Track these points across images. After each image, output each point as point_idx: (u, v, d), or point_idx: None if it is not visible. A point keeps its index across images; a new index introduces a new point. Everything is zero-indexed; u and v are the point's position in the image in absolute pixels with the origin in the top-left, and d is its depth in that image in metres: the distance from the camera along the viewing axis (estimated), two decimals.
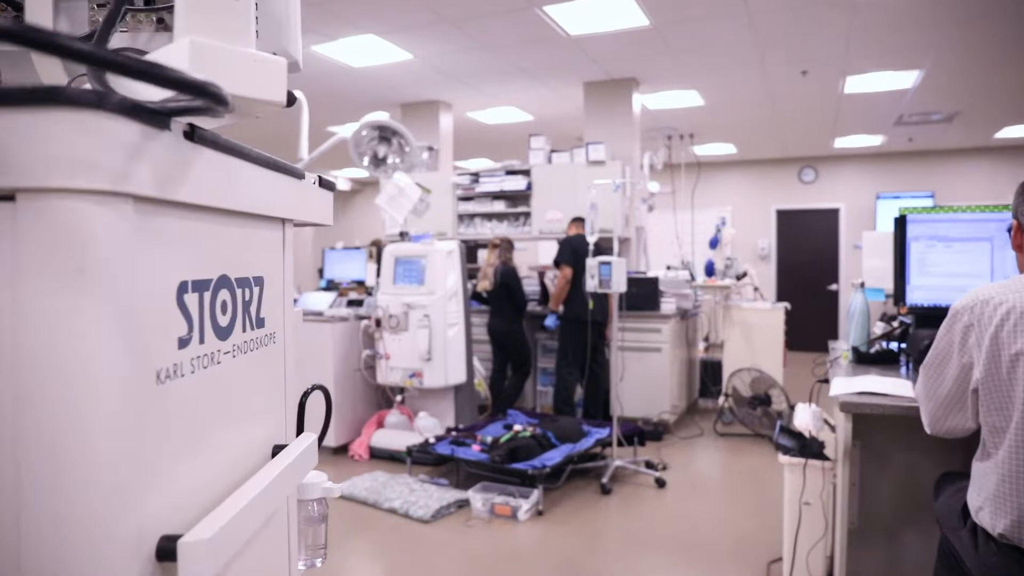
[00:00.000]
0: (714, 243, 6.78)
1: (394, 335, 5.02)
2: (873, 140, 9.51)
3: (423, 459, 4.53)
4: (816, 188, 10.65)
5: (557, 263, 5.57)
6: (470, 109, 7.71)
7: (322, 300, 5.59)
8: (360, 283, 6.11)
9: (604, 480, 4.26)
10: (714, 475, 4.86)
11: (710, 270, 6.74)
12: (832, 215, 10.57)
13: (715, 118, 8.03)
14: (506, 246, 5.94)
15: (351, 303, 5.51)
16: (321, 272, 6.66)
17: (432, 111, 7.42)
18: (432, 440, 4.52)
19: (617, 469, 4.46)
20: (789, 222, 10.70)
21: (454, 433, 4.66)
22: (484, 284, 5.92)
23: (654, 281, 5.93)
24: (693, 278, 6.54)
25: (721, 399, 5.84)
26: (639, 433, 4.85)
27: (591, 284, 4.52)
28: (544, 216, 6.53)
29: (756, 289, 6.20)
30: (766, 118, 8.18)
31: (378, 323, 5.05)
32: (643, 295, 5.88)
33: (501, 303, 5.88)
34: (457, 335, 5.05)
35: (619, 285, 4.45)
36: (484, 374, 5.83)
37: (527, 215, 6.71)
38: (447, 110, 7.57)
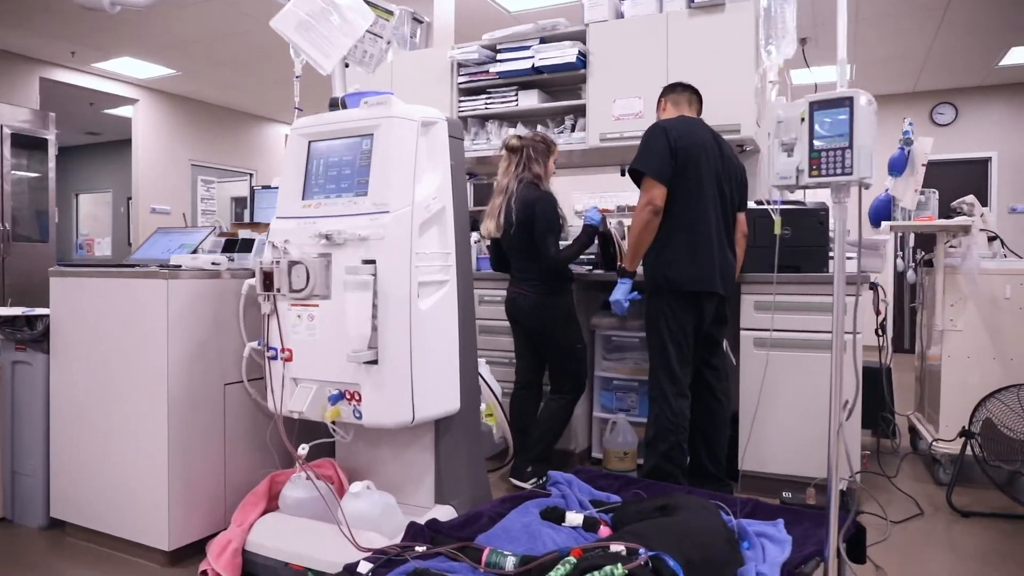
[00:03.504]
0: (899, 164, 4.00)
1: (301, 307, 2.28)
2: None
3: None
4: (956, 131, 7.79)
5: (634, 174, 2.77)
6: None
7: (180, 242, 2.83)
8: None
9: None
10: None
11: (881, 213, 3.95)
12: (979, 167, 7.71)
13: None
14: (535, 150, 3.17)
15: (230, 246, 2.75)
16: (251, 217, 3.84)
17: None
18: (369, 567, 1.76)
19: None
20: None
21: (425, 546, 1.89)
22: (490, 225, 3.15)
23: (822, 216, 3.14)
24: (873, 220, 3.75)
25: (950, 444, 3.05)
26: (859, 535, 2.09)
27: (786, 168, 1.77)
28: (611, 111, 3.73)
29: (995, 238, 3.39)
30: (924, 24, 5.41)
31: (267, 282, 2.30)
32: (804, 244, 3.10)
33: (526, 259, 3.12)
34: (439, 310, 2.30)
35: (864, 169, 1.71)
36: (498, 393, 3.04)
37: (579, 112, 3.91)
38: None
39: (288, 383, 2.31)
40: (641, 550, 1.61)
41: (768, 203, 3.23)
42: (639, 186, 2.73)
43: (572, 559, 1.62)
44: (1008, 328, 3.18)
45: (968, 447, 2.91)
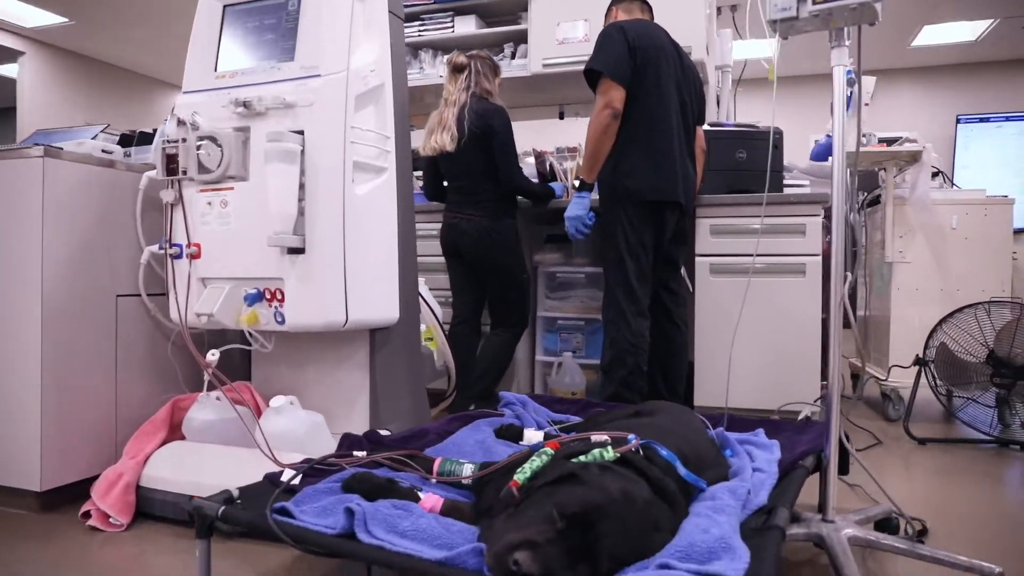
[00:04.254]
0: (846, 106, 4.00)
1: (212, 192, 1.92)
2: (966, 34, 6.92)
3: (261, 533, 1.45)
4: (869, 113, 7.99)
5: (590, 76, 2.53)
6: None
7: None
8: None
9: None
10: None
11: (823, 157, 3.91)
12: None
13: None
14: (482, 65, 2.92)
15: (126, 141, 2.35)
16: None
17: None
18: (292, 474, 1.43)
19: (851, 544, 1.49)
20: None
21: (361, 454, 1.58)
22: (442, 139, 2.86)
23: (776, 138, 3.00)
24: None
25: (902, 377, 2.97)
26: (842, 446, 1.91)
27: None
28: (554, 35, 3.50)
29: (938, 174, 3.37)
30: None
31: (171, 164, 1.93)
32: (759, 168, 2.96)
33: (476, 179, 2.85)
34: (377, 200, 2.00)
35: None
36: (439, 315, 2.74)
37: (519, 39, 3.66)
38: None
39: (195, 285, 1.95)
40: (631, 436, 1.36)
41: (721, 126, 3.08)
42: (595, 90, 2.50)
43: (548, 450, 1.35)
44: (955, 259, 3.14)
45: (923, 374, 2.83)
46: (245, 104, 1.83)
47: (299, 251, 1.82)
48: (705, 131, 2.92)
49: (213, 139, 1.86)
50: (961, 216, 3.14)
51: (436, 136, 2.89)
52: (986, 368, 2.68)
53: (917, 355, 2.86)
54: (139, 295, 2.13)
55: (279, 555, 1.67)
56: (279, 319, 1.88)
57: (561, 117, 4.38)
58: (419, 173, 3.15)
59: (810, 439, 1.75)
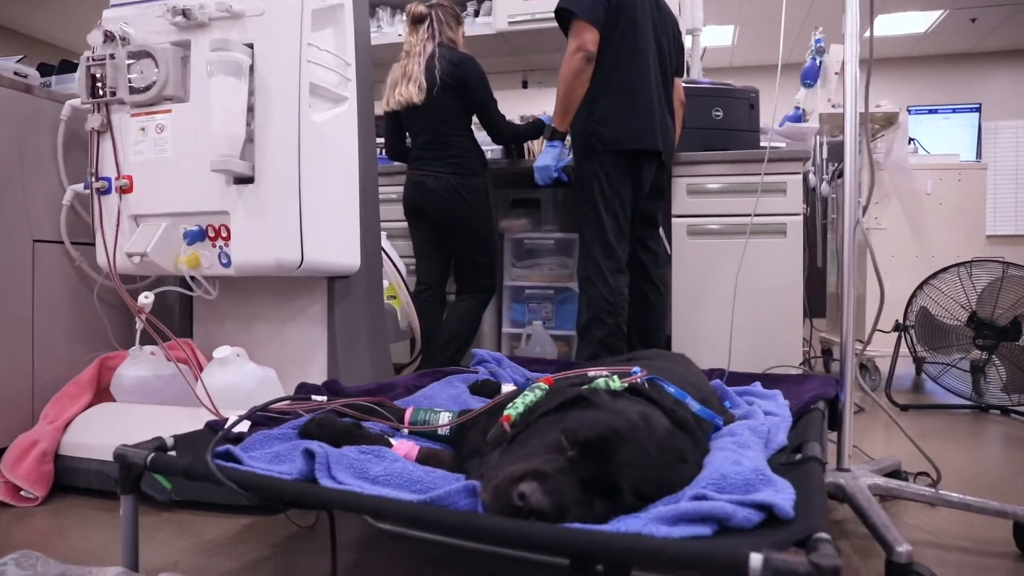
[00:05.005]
0: (811, 74, 3.87)
1: (146, 116, 1.68)
2: (919, 24, 7.02)
3: (200, 477, 1.26)
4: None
5: (561, 17, 2.35)
6: None
7: None
8: None
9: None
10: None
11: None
12: None
13: None
14: (444, 14, 2.72)
15: (46, 71, 2.08)
16: None
17: None
18: (238, 420, 1.21)
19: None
20: None
21: (320, 399, 1.37)
22: (408, 91, 2.66)
23: (752, 98, 2.90)
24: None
25: (881, 344, 2.89)
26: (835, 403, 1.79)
27: None
28: None
29: (912, 140, 3.31)
30: None
31: (96, 86, 1.68)
32: (736, 127, 2.84)
33: (444, 132, 2.66)
34: (336, 131, 1.79)
35: None
36: (403, 272, 2.54)
37: None
38: None
39: (126, 224, 1.70)
40: (635, 369, 1.19)
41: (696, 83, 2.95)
42: (567, 33, 2.33)
43: (542, 384, 1.17)
44: (930, 224, 3.08)
45: (903, 340, 2.75)
46: (184, 13, 1.59)
47: (247, 180, 1.59)
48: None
49: (147, 54, 1.63)
50: (935, 182, 3.08)
51: (401, 88, 2.68)
52: (967, 331, 2.61)
53: (897, 321, 2.78)
54: (61, 242, 1.87)
55: (224, 524, 1.44)
56: (224, 261, 1.65)
57: (525, 86, 4.21)
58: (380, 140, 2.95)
59: (814, 388, 1.61)
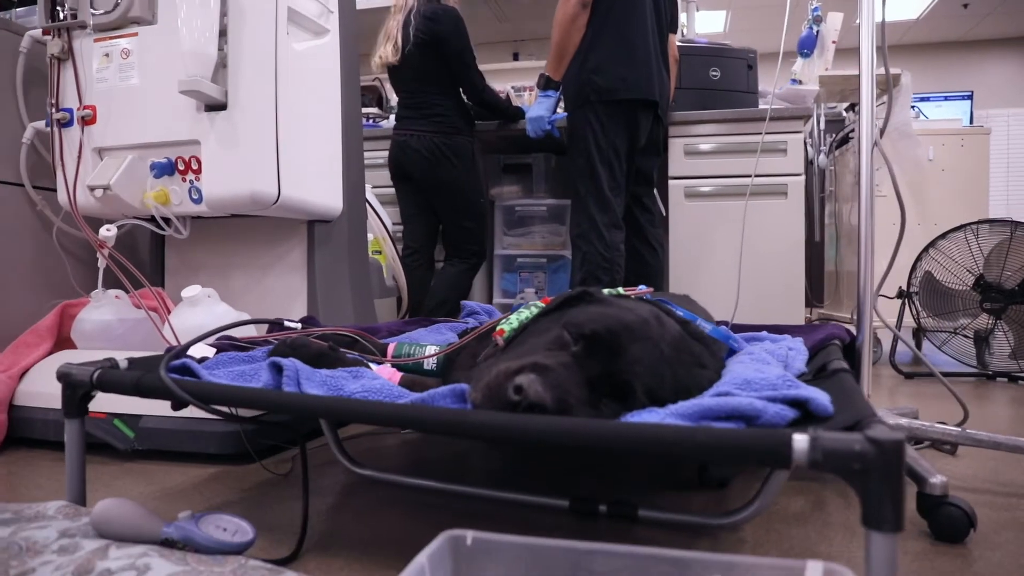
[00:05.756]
0: (809, 43, 3.78)
1: (110, 41, 1.56)
2: (912, 10, 6.98)
3: (151, 392, 1.14)
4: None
5: None
6: None
7: None
8: None
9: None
10: None
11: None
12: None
13: None
14: None
15: (6, 4, 1.95)
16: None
17: None
18: (203, 345, 1.10)
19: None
20: None
21: (296, 324, 1.26)
22: (386, 51, 2.55)
23: (750, 58, 2.81)
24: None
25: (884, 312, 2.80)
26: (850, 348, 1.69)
27: None
28: None
29: (913, 106, 3.23)
30: None
31: (55, 8, 1.56)
32: (734, 88, 2.75)
33: (424, 91, 2.55)
34: (317, 62, 1.67)
35: None
36: (388, 225, 2.42)
37: None
38: None
39: (89, 157, 1.58)
40: (642, 286, 1.09)
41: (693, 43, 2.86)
42: None
43: (538, 302, 1.06)
44: (931, 191, 3.00)
45: (907, 307, 2.67)
46: None
47: (220, 107, 1.48)
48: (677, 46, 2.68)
49: None
50: (937, 147, 3.00)
51: (381, 49, 2.58)
52: (974, 294, 2.52)
53: (900, 287, 2.69)
54: (21, 184, 1.75)
55: (190, 472, 1.33)
56: (195, 197, 1.53)
57: (516, 58, 4.11)
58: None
59: (827, 331, 1.51)
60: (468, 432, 0.65)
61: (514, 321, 0.98)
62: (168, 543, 0.80)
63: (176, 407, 1.09)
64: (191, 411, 1.38)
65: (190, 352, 1.06)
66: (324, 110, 1.70)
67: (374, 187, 2.67)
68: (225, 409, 0.96)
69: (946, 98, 7.89)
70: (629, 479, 1.29)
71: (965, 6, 6.81)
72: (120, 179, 1.50)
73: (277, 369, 0.89)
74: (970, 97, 7.62)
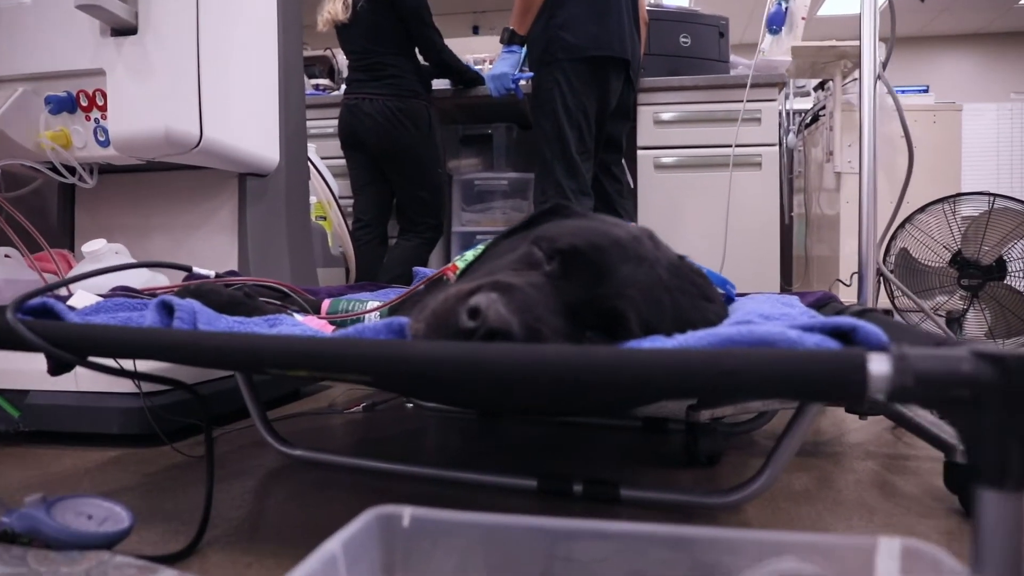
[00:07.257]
0: (778, 20, 3.69)
1: None
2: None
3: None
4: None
5: None
6: None
7: None
8: None
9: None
10: None
11: None
12: None
13: None
14: None
15: None
16: None
17: None
18: (64, 280, 0.89)
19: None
20: None
21: (208, 272, 1.06)
22: (334, 8, 2.35)
23: (722, 25, 2.68)
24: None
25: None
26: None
27: None
28: None
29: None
30: None
31: None
32: (705, 56, 2.62)
33: (378, 50, 2.35)
34: None
35: None
36: (334, 189, 2.22)
37: None
38: None
39: None
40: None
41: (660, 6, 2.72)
42: None
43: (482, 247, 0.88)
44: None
45: (882, 285, 2.56)
46: None
47: (129, 31, 1.26)
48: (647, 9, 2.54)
49: None
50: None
51: (329, 5, 2.37)
52: (951, 271, 2.43)
53: (852, 273, 2.58)
54: None
55: (86, 456, 1.11)
56: (102, 138, 1.31)
57: (475, 32, 3.92)
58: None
59: (821, 294, 1.37)
60: (408, 368, 0.47)
61: (469, 257, 0.80)
62: (6, 537, 0.59)
63: (54, 370, 0.88)
64: (89, 384, 1.17)
65: (70, 302, 0.86)
66: (258, 44, 1.50)
67: (323, 158, 2.46)
68: (113, 364, 0.76)
69: (903, 91, 7.98)
70: (604, 456, 1.13)
71: (922, 0, 6.85)
72: (7, 115, 1.28)
73: (168, 310, 0.69)
74: (926, 91, 7.72)
